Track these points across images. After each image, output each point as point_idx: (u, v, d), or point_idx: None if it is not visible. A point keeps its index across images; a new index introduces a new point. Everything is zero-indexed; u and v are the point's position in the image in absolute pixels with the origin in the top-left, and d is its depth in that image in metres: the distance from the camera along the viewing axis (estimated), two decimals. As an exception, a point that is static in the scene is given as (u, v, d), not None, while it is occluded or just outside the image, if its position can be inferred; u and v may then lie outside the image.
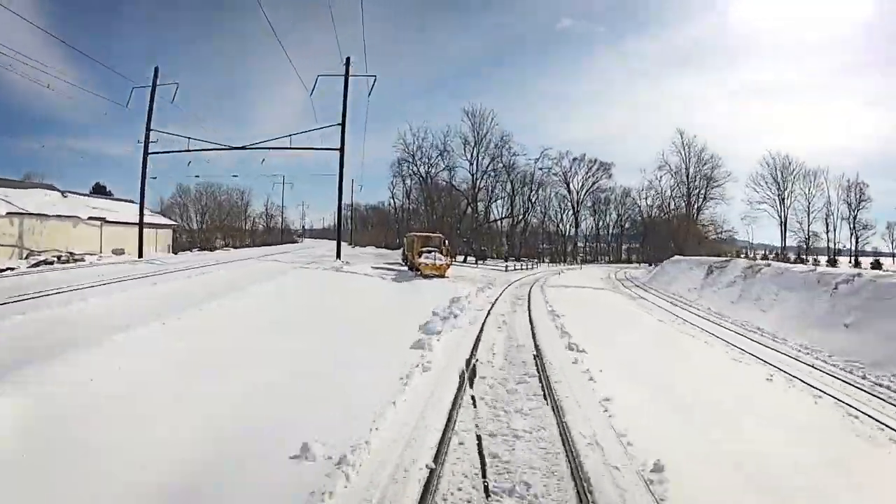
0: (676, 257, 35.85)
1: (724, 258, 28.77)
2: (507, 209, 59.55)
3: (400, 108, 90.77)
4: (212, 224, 53.03)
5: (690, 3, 76.26)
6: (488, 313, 14.35)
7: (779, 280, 18.27)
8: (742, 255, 45.33)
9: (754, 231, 57.81)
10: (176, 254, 31.47)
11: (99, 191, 38.08)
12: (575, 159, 68.47)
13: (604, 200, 73.43)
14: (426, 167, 52.37)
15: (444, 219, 53.60)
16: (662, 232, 59.78)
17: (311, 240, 73.67)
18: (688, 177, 56.60)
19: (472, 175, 53.62)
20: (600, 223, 75.02)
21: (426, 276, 23.13)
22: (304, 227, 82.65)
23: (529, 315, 14.56)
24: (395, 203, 60.56)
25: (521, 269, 40.62)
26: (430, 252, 24.54)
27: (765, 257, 45.26)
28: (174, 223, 38.42)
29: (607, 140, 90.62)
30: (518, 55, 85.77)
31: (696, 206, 55.45)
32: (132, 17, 67.68)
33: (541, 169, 57.99)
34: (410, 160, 51.87)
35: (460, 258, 45.28)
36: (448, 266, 24.37)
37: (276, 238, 60.86)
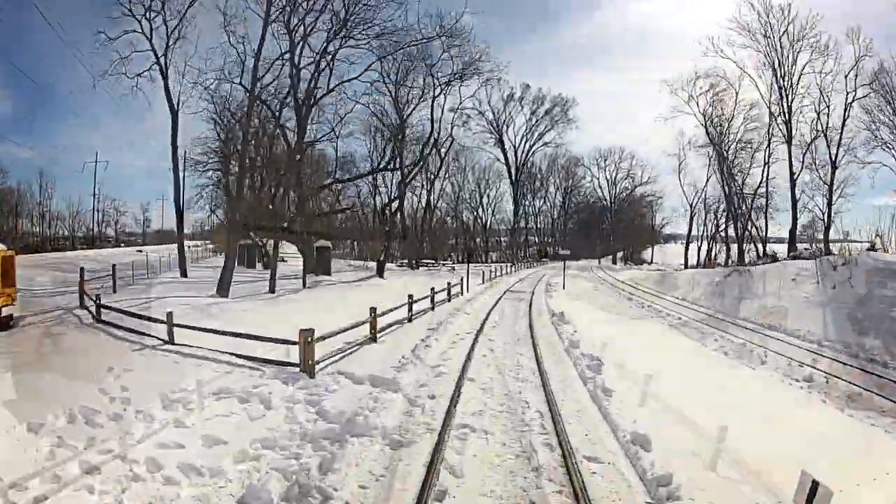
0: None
1: None
2: (391, 157, 29.68)
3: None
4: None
5: None
6: None
7: None
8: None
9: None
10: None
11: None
12: (512, 96, 44.38)
13: (544, 174, 51.55)
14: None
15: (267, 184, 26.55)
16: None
17: (152, 246, 55.64)
18: (782, 88, 28.21)
19: (295, 66, 20.34)
20: (542, 206, 52.65)
21: None
22: (151, 229, 62.35)
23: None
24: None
25: (430, 305, 15.60)
26: None
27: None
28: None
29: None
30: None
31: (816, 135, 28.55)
32: None
33: (452, 110, 30.88)
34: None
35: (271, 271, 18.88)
36: None
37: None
